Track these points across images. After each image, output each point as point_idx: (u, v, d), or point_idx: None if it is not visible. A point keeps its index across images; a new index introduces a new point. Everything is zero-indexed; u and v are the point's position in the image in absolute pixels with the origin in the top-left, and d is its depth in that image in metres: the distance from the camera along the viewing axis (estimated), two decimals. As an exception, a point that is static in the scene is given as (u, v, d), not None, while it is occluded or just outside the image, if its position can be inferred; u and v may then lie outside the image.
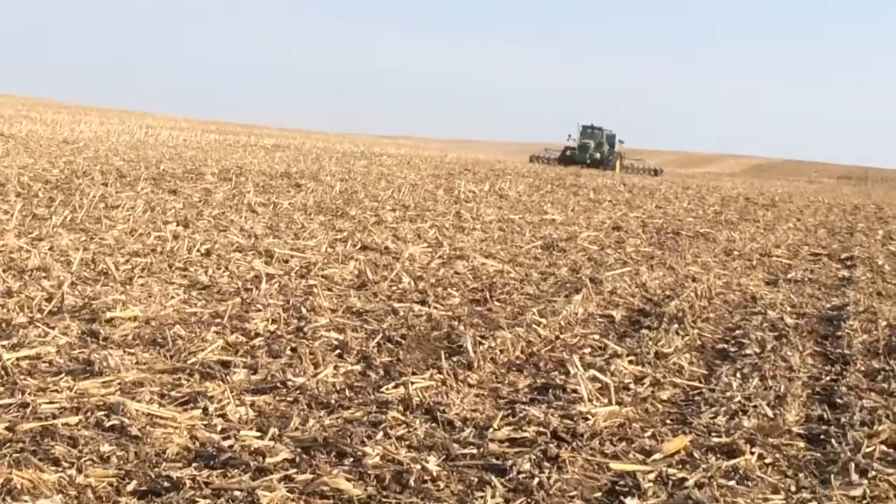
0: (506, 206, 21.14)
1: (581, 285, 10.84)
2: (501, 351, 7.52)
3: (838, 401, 6.96)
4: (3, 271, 8.62)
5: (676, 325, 8.99)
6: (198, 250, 10.82)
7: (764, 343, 8.68)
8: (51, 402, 5.43)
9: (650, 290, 11.34)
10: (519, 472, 5.02)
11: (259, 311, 8.03)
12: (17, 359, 6.13)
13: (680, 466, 5.37)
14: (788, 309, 10.77)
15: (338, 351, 7.13)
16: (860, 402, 6.84)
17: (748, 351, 8.33)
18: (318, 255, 11.32)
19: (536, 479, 4.94)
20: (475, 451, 5.32)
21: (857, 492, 5.14)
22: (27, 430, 5.02)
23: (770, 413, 6.41)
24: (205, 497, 4.44)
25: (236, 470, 4.76)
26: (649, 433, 5.95)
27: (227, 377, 6.21)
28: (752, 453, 5.58)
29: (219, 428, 5.33)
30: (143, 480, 4.56)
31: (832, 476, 5.33)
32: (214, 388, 5.89)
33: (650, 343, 8.16)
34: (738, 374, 7.41)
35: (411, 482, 4.81)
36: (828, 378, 7.74)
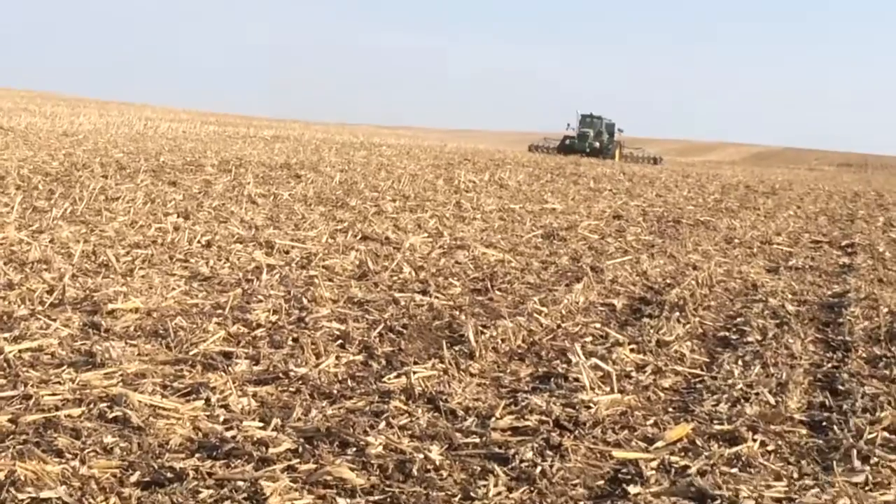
0: (506, 195, 21.12)
1: (582, 274, 10.84)
2: (503, 340, 7.52)
3: (840, 387, 6.96)
4: (5, 264, 8.62)
5: (678, 313, 8.99)
6: (198, 242, 10.82)
7: (765, 330, 8.68)
8: (53, 394, 5.44)
9: (651, 278, 11.34)
10: (521, 461, 5.02)
11: (260, 301, 8.03)
12: (20, 351, 6.14)
13: (682, 454, 5.37)
14: (789, 296, 10.77)
15: (339, 341, 7.13)
16: (862, 389, 6.84)
17: (750, 338, 8.33)
18: (318, 246, 11.32)
19: (539, 468, 4.94)
20: (478, 440, 5.33)
21: (860, 478, 5.15)
22: (30, 422, 5.02)
23: (772, 400, 6.41)
24: (208, 487, 4.44)
25: (239, 460, 4.77)
26: (651, 421, 5.96)
27: (229, 368, 6.21)
28: (755, 440, 5.59)
29: (221, 419, 5.33)
30: (147, 471, 4.57)
31: (834, 463, 5.33)
32: (216, 379, 5.90)
33: (651, 331, 8.16)
34: (740, 362, 7.42)
35: (414, 471, 4.81)
36: (829, 365, 7.74)
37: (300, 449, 4.96)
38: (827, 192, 34.61)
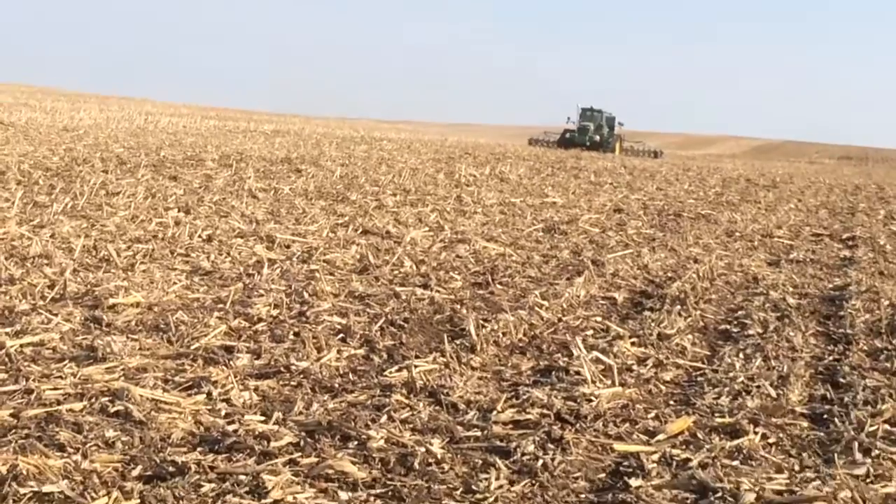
0: (506, 189, 21.12)
1: (583, 268, 10.84)
2: (504, 333, 7.52)
3: (841, 380, 6.96)
4: (6, 259, 8.62)
5: (679, 307, 8.99)
6: (199, 236, 10.82)
7: (766, 323, 8.68)
8: (55, 389, 5.44)
9: (652, 271, 11.34)
10: (523, 454, 5.03)
11: (261, 296, 8.03)
12: (21, 345, 6.14)
13: (684, 447, 5.38)
14: (790, 289, 10.77)
15: (341, 335, 7.14)
16: (863, 382, 6.85)
17: (751, 331, 8.34)
18: (319, 240, 11.32)
19: (540, 461, 4.95)
20: (479, 433, 5.34)
21: (861, 470, 5.15)
22: (32, 416, 5.03)
23: (773, 393, 6.42)
24: (210, 481, 4.45)
25: (241, 454, 4.77)
26: (653, 414, 5.96)
27: (231, 362, 6.21)
28: (756, 433, 5.59)
29: (223, 413, 5.34)
30: (149, 465, 4.57)
31: (836, 455, 5.34)
32: (218, 374, 5.90)
33: (653, 324, 8.16)
34: (741, 355, 7.42)
35: (416, 465, 4.82)
36: (830, 358, 7.74)
37: (302, 442, 4.97)
38: (828, 186, 34.60)
